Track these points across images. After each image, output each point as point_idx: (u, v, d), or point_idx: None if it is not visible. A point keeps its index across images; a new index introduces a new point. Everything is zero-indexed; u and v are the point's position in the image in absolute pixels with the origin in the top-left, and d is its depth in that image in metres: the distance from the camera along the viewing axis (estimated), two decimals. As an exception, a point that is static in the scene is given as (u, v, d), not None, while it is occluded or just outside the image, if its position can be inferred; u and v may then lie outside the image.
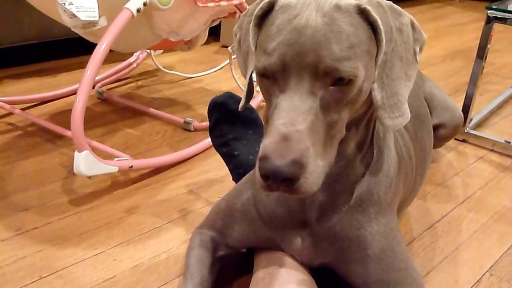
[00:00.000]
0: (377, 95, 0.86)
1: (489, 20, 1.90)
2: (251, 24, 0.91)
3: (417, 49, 0.92)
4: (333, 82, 0.80)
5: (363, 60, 0.82)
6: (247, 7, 0.93)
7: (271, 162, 0.75)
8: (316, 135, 0.79)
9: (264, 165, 0.76)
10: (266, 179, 0.78)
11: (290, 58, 0.80)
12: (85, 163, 1.44)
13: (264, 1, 0.89)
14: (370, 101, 0.89)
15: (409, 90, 0.90)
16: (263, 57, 0.83)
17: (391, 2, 0.90)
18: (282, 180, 0.76)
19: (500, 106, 2.44)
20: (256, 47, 0.90)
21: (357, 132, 0.96)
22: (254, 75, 0.91)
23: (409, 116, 0.89)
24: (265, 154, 0.76)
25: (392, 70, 0.87)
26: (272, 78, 0.83)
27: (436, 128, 1.62)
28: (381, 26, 0.83)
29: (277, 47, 0.81)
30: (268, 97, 0.86)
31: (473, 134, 2.05)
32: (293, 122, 0.77)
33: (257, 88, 1.96)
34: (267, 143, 0.77)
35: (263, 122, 1.18)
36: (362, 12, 0.83)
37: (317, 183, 0.80)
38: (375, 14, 0.83)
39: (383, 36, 0.84)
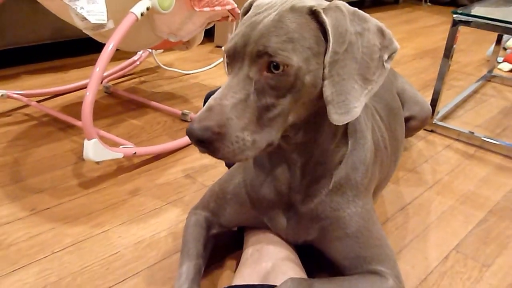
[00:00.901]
0: (327, 91, 0.84)
1: (455, 23, 1.89)
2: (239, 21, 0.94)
3: (385, 56, 0.88)
4: (267, 68, 0.81)
5: (301, 54, 0.81)
6: (239, 11, 0.94)
7: (190, 125, 0.79)
8: (245, 113, 0.81)
9: (187, 128, 0.80)
10: (189, 140, 0.81)
11: (239, 46, 0.83)
12: (94, 150, 1.43)
13: (247, 2, 0.93)
14: None
15: (368, 92, 0.86)
16: (226, 45, 0.87)
17: (355, 9, 0.87)
18: (197, 141, 0.80)
19: (464, 100, 2.43)
20: None
21: (325, 124, 0.94)
22: None
23: (356, 115, 0.84)
24: (192, 119, 0.81)
25: (344, 70, 0.84)
26: (229, 64, 0.86)
27: (407, 119, 1.61)
28: (328, 27, 0.82)
29: (234, 37, 0.85)
30: None
31: (441, 125, 2.05)
32: (221, 98, 0.81)
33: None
34: (198, 112, 0.81)
35: None
36: (313, 13, 0.83)
37: (244, 154, 0.82)
38: (325, 16, 0.82)
39: (331, 36, 0.82)
